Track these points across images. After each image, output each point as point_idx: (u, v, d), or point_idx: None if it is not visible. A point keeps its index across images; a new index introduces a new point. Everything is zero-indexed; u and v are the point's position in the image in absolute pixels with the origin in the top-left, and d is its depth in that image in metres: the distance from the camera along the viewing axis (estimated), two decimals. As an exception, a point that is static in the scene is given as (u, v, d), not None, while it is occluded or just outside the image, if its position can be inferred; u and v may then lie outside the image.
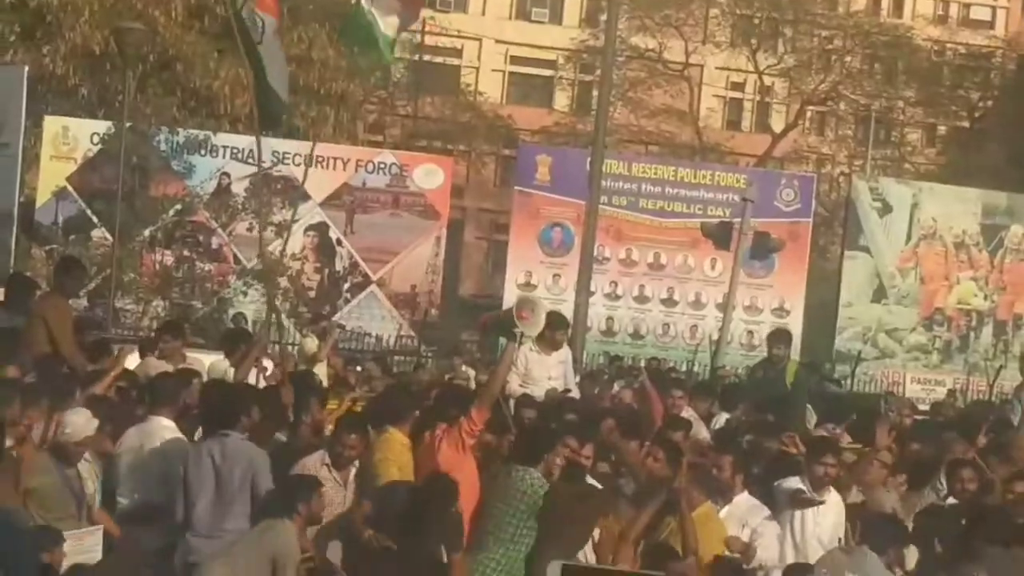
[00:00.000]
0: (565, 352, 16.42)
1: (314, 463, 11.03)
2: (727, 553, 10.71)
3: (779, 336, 18.12)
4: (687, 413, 15.07)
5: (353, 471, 11.16)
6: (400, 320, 35.63)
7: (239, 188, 34.86)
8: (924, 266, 36.72)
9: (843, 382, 31.08)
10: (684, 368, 32.21)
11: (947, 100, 65.45)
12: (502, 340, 13.72)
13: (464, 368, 22.32)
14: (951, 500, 12.58)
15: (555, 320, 16.34)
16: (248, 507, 10.39)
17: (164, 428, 11.37)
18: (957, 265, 36.96)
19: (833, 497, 11.73)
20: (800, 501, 11.50)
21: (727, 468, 11.54)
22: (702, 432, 14.54)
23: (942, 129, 68.84)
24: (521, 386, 15.22)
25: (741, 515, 11.42)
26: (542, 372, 15.73)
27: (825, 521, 11.60)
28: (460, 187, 51.37)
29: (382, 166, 36.25)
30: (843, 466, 12.33)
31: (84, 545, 9.66)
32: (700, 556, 10.43)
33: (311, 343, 18.41)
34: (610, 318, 35.29)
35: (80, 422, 10.22)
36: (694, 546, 10.18)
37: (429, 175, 36.33)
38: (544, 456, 10.69)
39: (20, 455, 10.03)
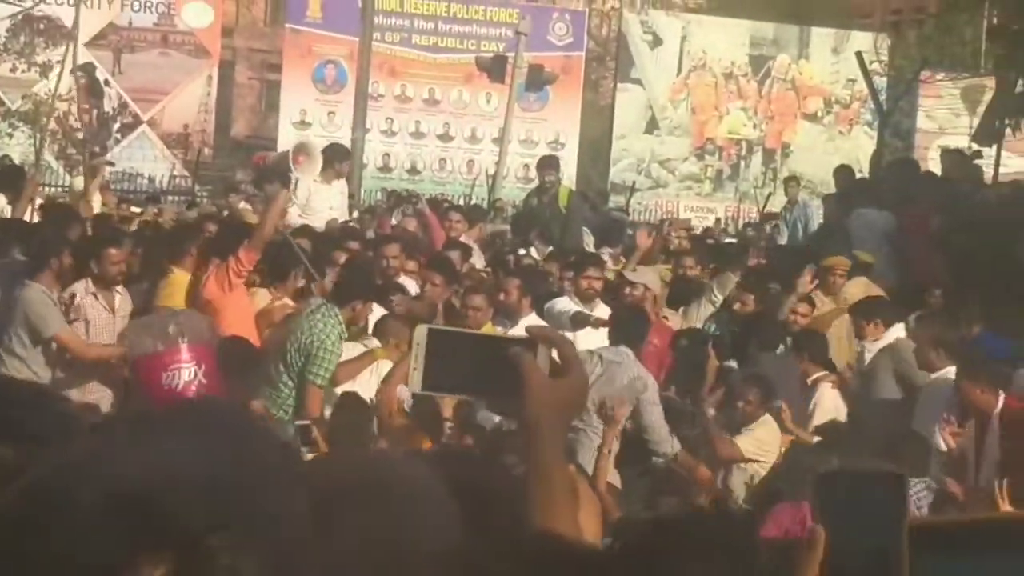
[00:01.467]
0: (344, 184, 16.42)
1: (80, 289, 10.56)
2: None
3: (547, 162, 18.17)
4: (465, 239, 15.13)
5: (118, 297, 10.70)
6: (173, 160, 35.13)
7: (0, 29, 33.82)
8: (694, 97, 37.29)
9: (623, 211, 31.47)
10: (462, 201, 32.42)
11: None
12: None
13: (242, 205, 22.12)
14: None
15: (336, 151, 16.32)
16: None
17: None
18: (726, 96, 37.60)
19: (601, 310, 11.87)
20: (579, 321, 11.61)
21: (513, 292, 11.50)
22: (479, 261, 14.59)
23: (709, -36, 69.44)
24: (300, 216, 15.14)
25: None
26: (322, 203, 15.69)
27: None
28: (230, 27, 50.37)
29: (148, 5, 35.41)
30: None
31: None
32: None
33: (79, 182, 18.11)
34: (387, 154, 35.24)
35: None
36: None
37: (198, 13, 35.65)
38: (354, 304, 10.53)
39: None
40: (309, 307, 10.04)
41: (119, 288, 10.74)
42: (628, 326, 10.31)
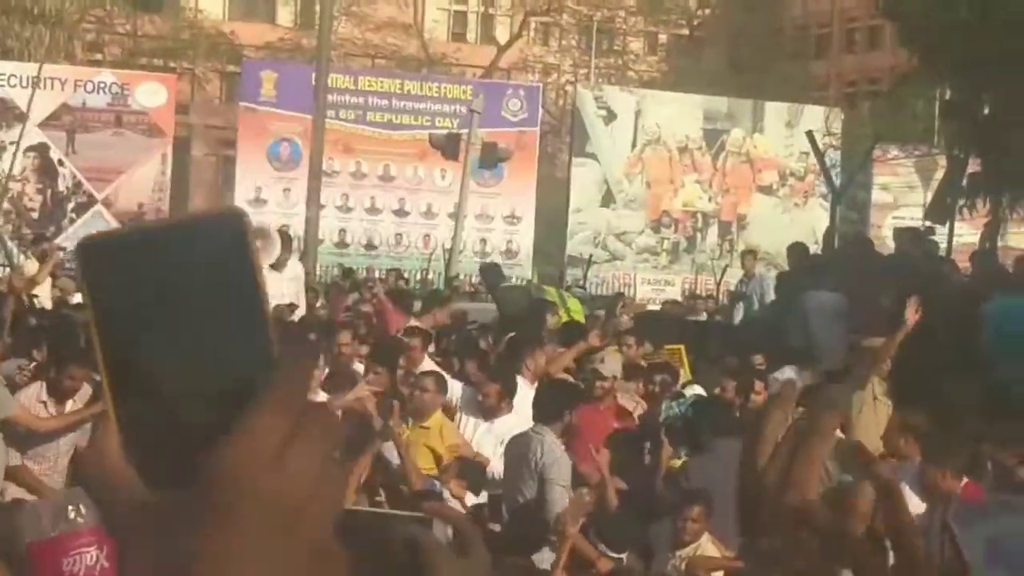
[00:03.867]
0: (296, 268, 16.36)
1: (29, 396, 10.18)
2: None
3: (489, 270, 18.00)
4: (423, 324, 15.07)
5: (70, 404, 10.20)
6: (126, 239, 35.00)
7: (-48, 111, 33.85)
8: (650, 171, 37.47)
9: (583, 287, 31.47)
10: (419, 277, 32.41)
11: (667, 9, 66.54)
12: None
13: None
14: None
15: (281, 239, 16.34)
16: None
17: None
18: (681, 169, 37.82)
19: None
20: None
21: (492, 395, 11.34)
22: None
23: (663, 37, 69.96)
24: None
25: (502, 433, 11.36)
26: (274, 289, 15.61)
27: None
28: (185, 105, 50.44)
29: (102, 85, 35.45)
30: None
31: None
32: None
33: (31, 265, 17.94)
34: (343, 230, 35.24)
35: None
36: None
37: (151, 93, 35.69)
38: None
39: None
40: None
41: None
42: (553, 405, 10.20)
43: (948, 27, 18.76)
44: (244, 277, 1.34)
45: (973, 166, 20.82)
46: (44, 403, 10.07)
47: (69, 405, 10.14)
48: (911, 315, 12.69)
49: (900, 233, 18.01)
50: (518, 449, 9.63)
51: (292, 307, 15.71)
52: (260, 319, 1.37)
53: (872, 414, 12.21)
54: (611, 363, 13.24)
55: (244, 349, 1.23)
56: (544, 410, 10.02)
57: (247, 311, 1.37)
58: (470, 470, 10.16)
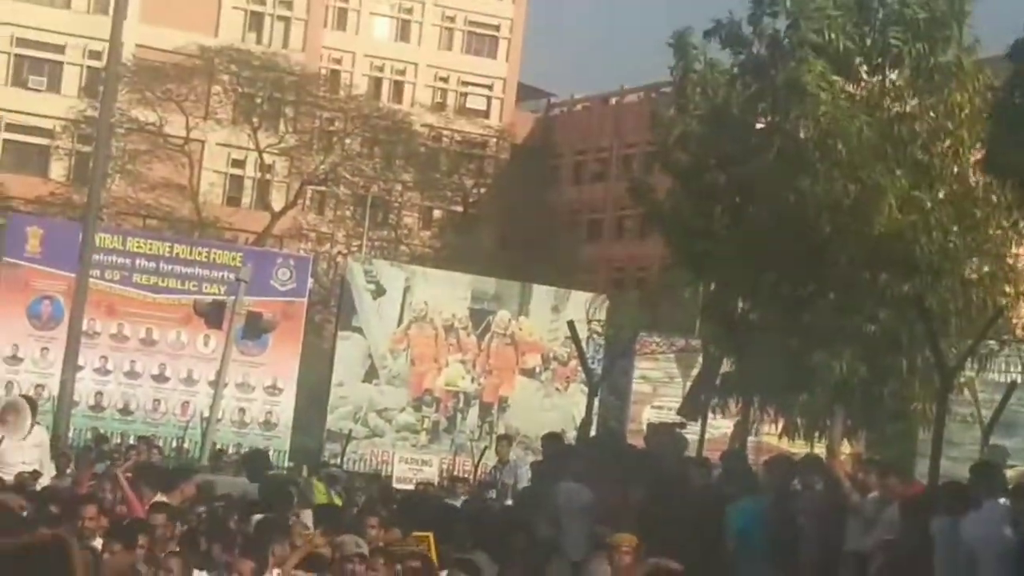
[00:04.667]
0: (40, 435, 16.05)
1: None
2: None
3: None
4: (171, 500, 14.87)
5: None
6: None
7: None
8: (415, 348, 37.58)
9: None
10: (174, 444, 31.95)
11: (443, 185, 67.59)
12: None
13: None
14: None
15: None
16: None
17: None
18: (447, 348, 37.99)
19: None
20: None
21: (248, 572, 11.27)
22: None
23: (438, 213, 70.87)
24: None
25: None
26: (16, 457, 15.35)
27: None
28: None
29: None
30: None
31: None
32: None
33: None
34: (99, 393, 34.52)
35: None
36: None
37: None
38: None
39: None
40: None
41: None
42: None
43: (702, 227, 19.35)
44: None
45: (728, 365, 21.32)
46: None
47: None
48: None
49: (651, 427, 18.35)
50: None
51: (35, 475, 15.39)
52: None
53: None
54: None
55: None
56: None
57: None
58: None
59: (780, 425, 20.26)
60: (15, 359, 33.66)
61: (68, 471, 18.81)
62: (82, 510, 12.78)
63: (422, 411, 37.67)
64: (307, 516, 16.85)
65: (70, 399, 26.76)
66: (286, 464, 33.78)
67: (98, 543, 12.14)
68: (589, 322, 36.54)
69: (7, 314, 34.30)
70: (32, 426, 15.83)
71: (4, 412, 12.71)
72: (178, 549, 12.44)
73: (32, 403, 16.18)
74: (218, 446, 29.07)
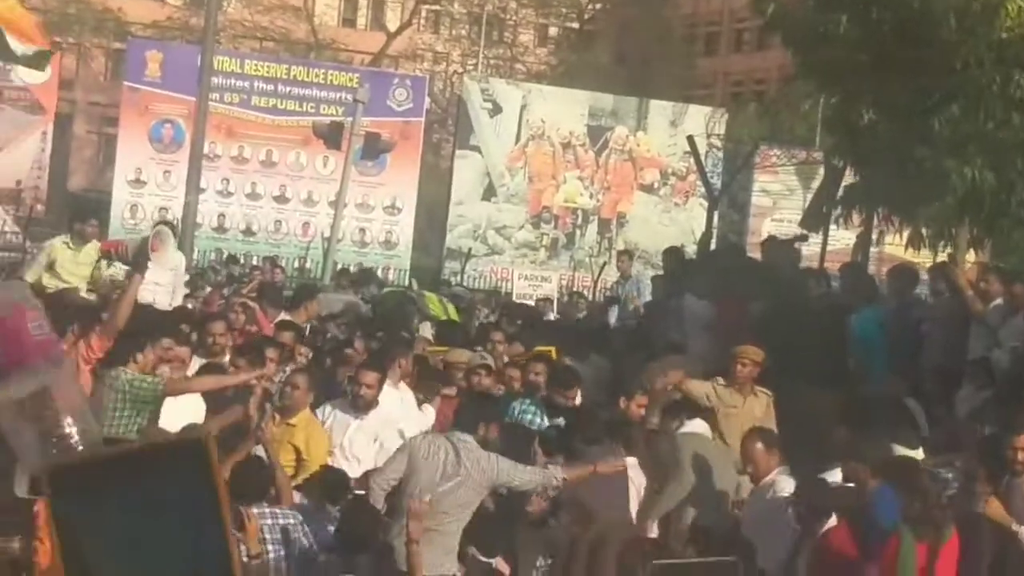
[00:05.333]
0: (177, 259, 16.15)
1: None
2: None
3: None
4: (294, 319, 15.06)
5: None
6: (3, 216, 34.55)
7: None
8: (532, 165, 37.53)
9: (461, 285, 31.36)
10: (296, 264, 32.31)
11: (557, 1, 66.73)
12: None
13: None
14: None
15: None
16: None
17: None
18: (564, 164, 37.90)
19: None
20: None
21: (374, 383, 11.38)
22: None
23: (553, 30, 70.18)
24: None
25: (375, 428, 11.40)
26: (153, 278, 15.45)
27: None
28: (70, 80, 49.92)
29: (-18, 59, 34.92)
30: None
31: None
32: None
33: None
34: (222, 215, 34.98)
35: None
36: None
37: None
38: (135, 355, 10.50)
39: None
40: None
41: None
42: (475, 411, 10.31)
43: (828, 35, 18.93)
44: (206, 500, 1.49)
45: (850, 176, 21.01)
46: None
47: None
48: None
49: (767, 242, 18.15)
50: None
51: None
52: (221, 541, 1.51)
53: (736, 421, 12.31)
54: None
55: (206, 567, 1.37)
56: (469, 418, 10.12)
57: (209, 533, 1.52)
58: (332, 478, 10.12)
59: (904, 235, 19.92)
60: (138, 182, 34.08)
61: (206, 293, 19.10)
62: (211, 327, 12.96)
63: (541, 228, 37.73)
64: (426, 329, 17.03)
65: (194, 221, 27.00)
66: (407, 282, 34.14)
67: (226, 359, 12.36)
68: (708, 136, 36.22)
69: (130, 138, 34.70)
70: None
71: (154, 240, 12.75)
72: (304, 365, 12.64)
73: (173, 228, 16.21)
74: (339, 266, 29.32)
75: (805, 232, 21.44)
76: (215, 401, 10.92)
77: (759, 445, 9.93)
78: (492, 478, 9.42)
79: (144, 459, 1.59)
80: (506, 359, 14.31)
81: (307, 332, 14.91)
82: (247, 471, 9.12)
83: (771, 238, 19.26)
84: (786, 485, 9.48)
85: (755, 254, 19.20)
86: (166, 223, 15.76)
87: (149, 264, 11.27)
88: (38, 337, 7.57)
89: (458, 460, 9.33)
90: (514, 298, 26.60)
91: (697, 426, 11.44)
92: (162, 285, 15.61)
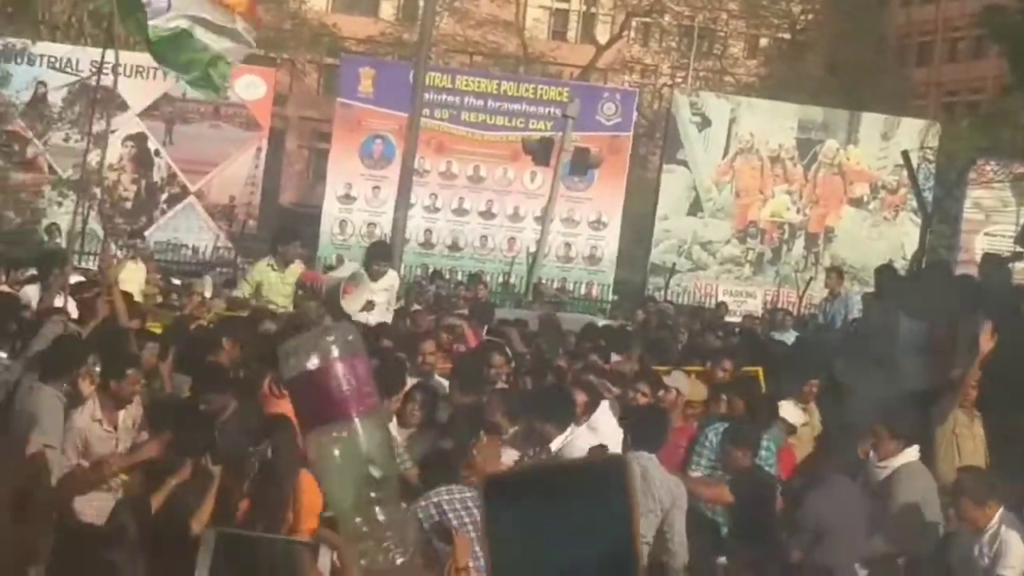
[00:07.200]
0: (391, 279, 16.27)
1: (86, 417, 9.67)
2: None
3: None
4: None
5: (122, 414, 9.81)
6: (217, 231, 35.39)
7: (56, 98, 34.32)
8: (739, 179, 37.28)
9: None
10: (501, 280, 32.49)
11: (769, 12, 66.12)
12: None
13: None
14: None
15: (379, 250, 16.31)
16: None
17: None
18: (772, 178, 37.56)
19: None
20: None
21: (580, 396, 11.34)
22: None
23: (764, 41, 69.57)
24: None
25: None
26: (366, 297, 15.58)
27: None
28: (283, 95, 50.87)
29: (203, 76, 35.70)
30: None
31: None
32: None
33: (129, 267, 18.01)
34: (429, 230, 35.35)
35: None
36: None
37: (251, 86, 35.90)
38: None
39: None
40: None
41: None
42: (648, 429, 10.13)
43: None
44: (621, 520, 1.58)
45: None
46: (99, 421, 9.72)
47: (121, 415, 9.83)
48: (985, 342, 12.53)
49: (985, 259, 17.78)
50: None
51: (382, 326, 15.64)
52: (630, 558, 1.60)
53: (951, 448, 12.14)
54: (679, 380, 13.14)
55: None
56: (645, 436, 9.94)
57: (620, 552, 1.60)
58: None
59: None
60: (348, 198, 34.63)
61: (418, 307, 19.27)
62: (421, 346, 12.96)
63: (746, 243, 37.44)
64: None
65: (402, 237, 27.32)
66: (610, 298, 34.14)
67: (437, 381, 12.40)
68: (921, 149, 35.63)
69: (341, 153, 35.28)
70: (386, 269, 15.97)
71: (348, 283, 12.81)
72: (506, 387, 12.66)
73: (386, 248, 16.33)
74: (543, 280, 29.41)
75: (1021, 249, 20.97)
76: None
77: (977, 489, 9.62)
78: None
79: (571, 475, 1.64)
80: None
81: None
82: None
83: (989, 254, 18.84)
84: (1013, 541, 9.20)
85: (965, 270, 18.83)
86: (378, 245, 15.87)
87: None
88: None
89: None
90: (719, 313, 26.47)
91: (911, 454, 11.18)
92: (377, 304, 15.75)
